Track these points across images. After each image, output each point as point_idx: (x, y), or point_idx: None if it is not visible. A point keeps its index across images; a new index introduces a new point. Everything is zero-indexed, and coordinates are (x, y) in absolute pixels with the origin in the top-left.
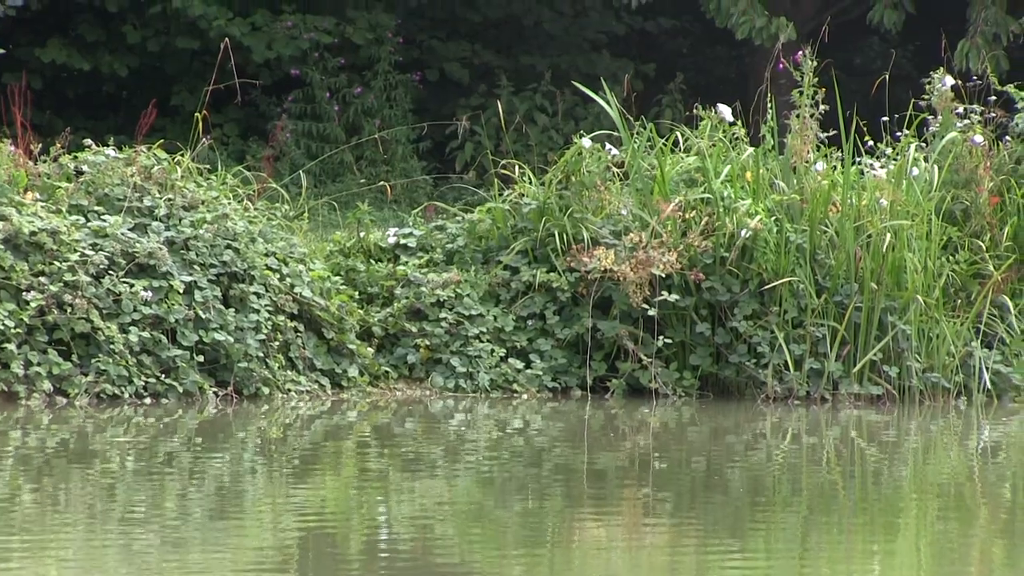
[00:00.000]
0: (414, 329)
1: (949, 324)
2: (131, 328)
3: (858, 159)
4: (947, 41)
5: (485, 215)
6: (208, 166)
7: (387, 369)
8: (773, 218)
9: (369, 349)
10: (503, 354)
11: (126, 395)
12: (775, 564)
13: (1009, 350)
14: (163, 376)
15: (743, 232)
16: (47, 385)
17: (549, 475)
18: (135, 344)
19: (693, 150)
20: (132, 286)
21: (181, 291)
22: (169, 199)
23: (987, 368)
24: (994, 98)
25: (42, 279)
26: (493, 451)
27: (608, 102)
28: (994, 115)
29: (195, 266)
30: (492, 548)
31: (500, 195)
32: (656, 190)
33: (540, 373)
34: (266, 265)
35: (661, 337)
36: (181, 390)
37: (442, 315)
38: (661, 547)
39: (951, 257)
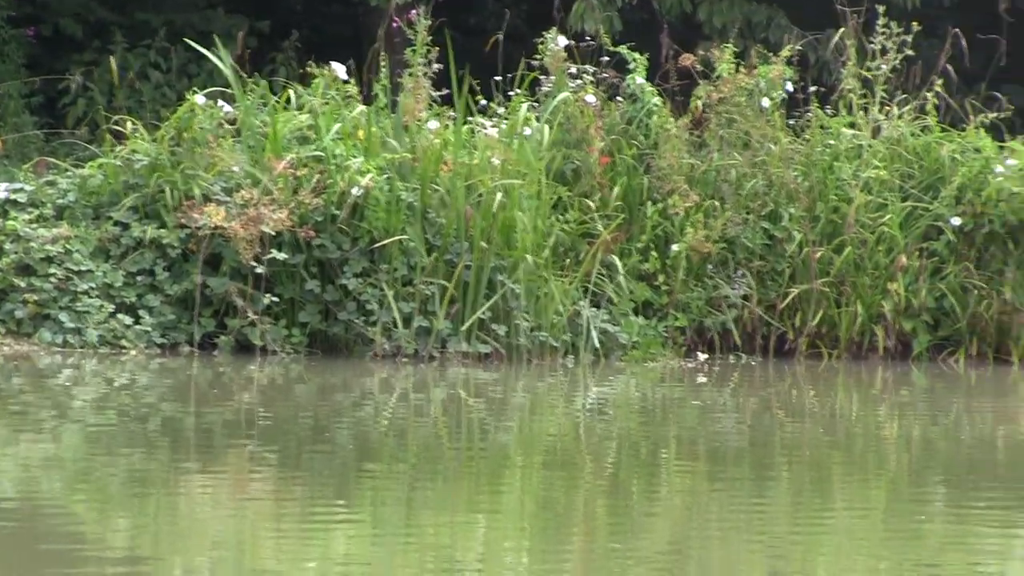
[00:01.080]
0: (23, 284)
1: (558, 283)
2: None
3: (470, 118)
4: (561, 2)
5: (96, 171)
6: None
7: None
8: (385, 176)
9: None
10: (112, 310)
11: None
12: (380, 518)
13: (617, 309)
14: None
15: (354, 190)
16: None
17: (156, 431)
18: None
19: (306, 108)
20: None
21: None
22: None
23: (595, 327)
24: (607, 59)
25: None
26: (100, 407)
27: (221, 59)
28: (607, 76)
29: None
30: (96, 503)
31: (112, 151)
32: (268, 147)
33: (149, 329)
34: None
35: (269, 295)
36: None
37: (51, 270)
38: (267, 502)
39: (561, 217)
